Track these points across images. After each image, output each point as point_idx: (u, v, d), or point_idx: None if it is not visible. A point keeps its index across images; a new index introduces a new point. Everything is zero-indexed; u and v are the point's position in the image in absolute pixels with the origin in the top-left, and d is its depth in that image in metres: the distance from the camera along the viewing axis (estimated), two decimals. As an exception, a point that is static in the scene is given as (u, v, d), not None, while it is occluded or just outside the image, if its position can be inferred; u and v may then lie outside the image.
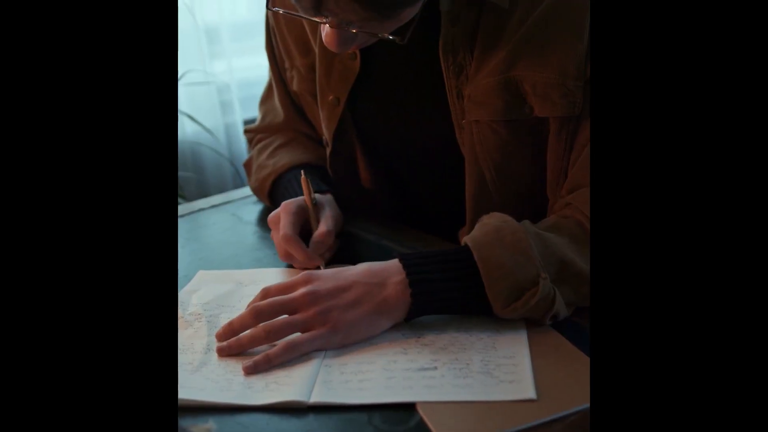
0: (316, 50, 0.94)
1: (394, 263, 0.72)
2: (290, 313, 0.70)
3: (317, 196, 0.92)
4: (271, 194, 1.04)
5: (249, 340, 0.69)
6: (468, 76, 0.82)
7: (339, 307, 0.69)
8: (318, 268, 0.84)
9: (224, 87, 2.11)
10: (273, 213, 0.89)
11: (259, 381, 0.64)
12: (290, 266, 0.88)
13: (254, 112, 2.18)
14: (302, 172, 0.90)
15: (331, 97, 0.94)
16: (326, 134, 0.98)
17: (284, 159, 1.03)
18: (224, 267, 0.90)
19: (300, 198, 0.90)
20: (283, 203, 0.88)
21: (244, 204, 1.15)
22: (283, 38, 1.02)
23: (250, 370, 0.66)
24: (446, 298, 0.70)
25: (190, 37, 1.99)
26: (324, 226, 0.86)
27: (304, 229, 0.88)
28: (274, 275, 0.87)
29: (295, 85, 1.04)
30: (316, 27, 0.93)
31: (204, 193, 1.95)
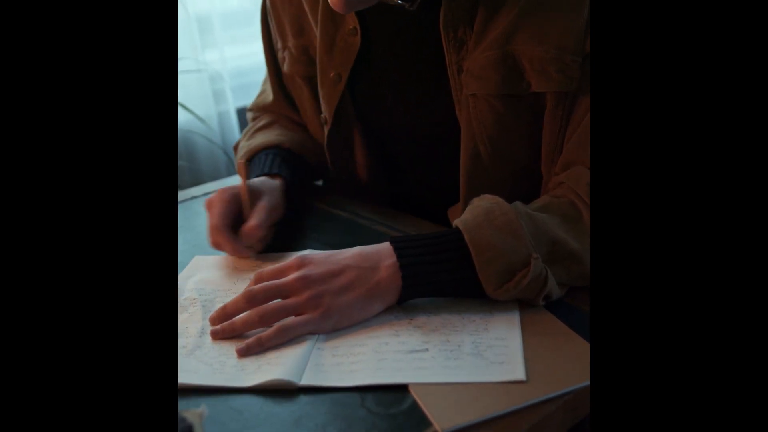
0: (317, 28, 0.94)
1: (386, 246, 0.72)
2: (283, 298, 0.70)
3: (257, 182, 0.91)
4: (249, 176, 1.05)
5: (242, 324, 0.69)
6: (468, 50, 0.82)
7: (331, 291, 0.69)
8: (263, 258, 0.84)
9: (216, 76, 2.10)
10: (209, 196, 0.88)
11: (251, 363, 0.65)
12: (285, 251, 0.88)
13: (247, 101, 2.18)
14: (241, 157, 0.90)
15: (332, 74, 0.94)
16: (326, 113, 0.98)
17: (258, 140, 1.04)
18: (218, 254, 0.90)
19: (237, 185, 0.89)
20: (219, 190, 0.88)
21: (237, 191, 1.14)
22: (278, 18, 1.02)
23: (243, 353, 0.66)
24: (438, 281, 0.70)
25: (182, 26, 1.98)
26: (254, 219, 0.85)
27: (240, 215, 0.88)
28: (269, 259, 0.87)
29: (286, 67, 1.04)
30: (315, 4, 0.93)
31: (197, 181, 1.95)
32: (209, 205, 0.87)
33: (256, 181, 0.92)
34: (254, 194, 0.89)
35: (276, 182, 0.94)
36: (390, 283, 0.70)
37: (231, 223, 0.86)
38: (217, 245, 0.86)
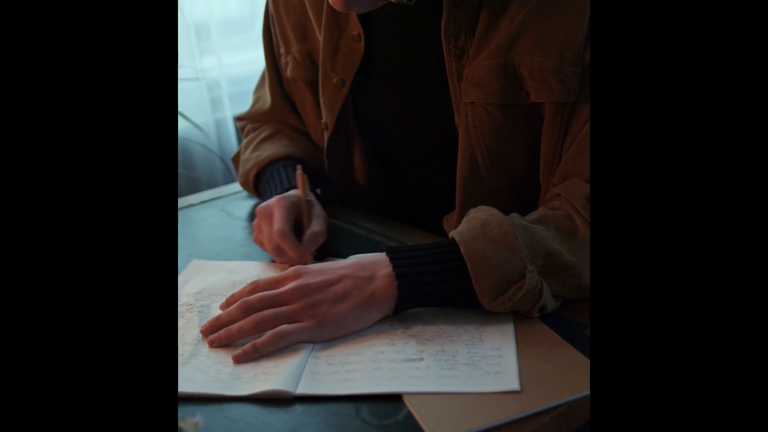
0: (321, 34, 0.95)
1: (382, 257, 0.72)
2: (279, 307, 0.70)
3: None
4: (256, 187, 1.05)
5: (238, 331, 0.69)
6: (468, 58, 0.83)
7: (327, 300, 0.69)
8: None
9: (214, 83, 2.10)
10: (263, 204, 0.89)
11: (247, 372, 0.65)
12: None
13: (244, 108, 2.18)
14: (298, 167, 0.91)
15: (336, 80, 0.95)
16: (327, 119, 0.99)
17: (267, 152, 1.04)
18: (214, 258, 0.90)
19: (293, 194, 0.90)
20: (277, 198, 0.88)
21: (234, 200, 1.15)
22: (281, 23, 1.03)
23: (239, 359, 0.67)
24: (433, 291, 0.70)
25: (180, 33, 1.98)
26: (317, 226, 0.87)
27: (295, 225, 0.88)
28: (267, 266, 0.87)
29: (289, 72, 1.04)
30: (320, 11, 0.94)
31: (194, 189, 1.95)
32: (265, 213, 0.88)
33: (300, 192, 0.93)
34: (309, 203, 0.91)
35: (313, 195, 0.96)
36: (386, 293, 0.70)
37: (293, 229, 0.86)
38: (278, 251, 0.85)
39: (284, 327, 0.68)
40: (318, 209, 0.91)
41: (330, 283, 0.70)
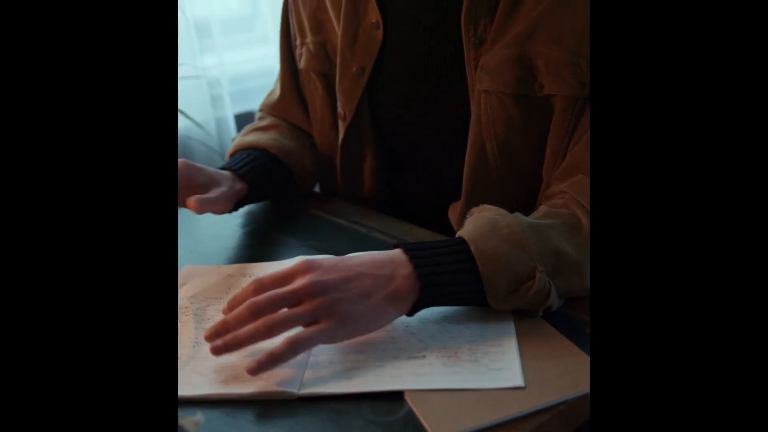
0: (339, 24, 0.96)
1: (399, 255, 0.68)
2: (292, 306, 0.64)
3: (216, 172, 0.94)
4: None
5: (247, 336, 0.63)
6: (486, 46, 0.83)
7: (347, 299, 0.64)
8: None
9: (215, 81, 2.10)
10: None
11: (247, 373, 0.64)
12: (278, 260, 0.87)
13: (245, 107, 2.18)
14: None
15: (355, 68, 0.96)
16: (345, 108, 0.99)
17: (250, 138, 1.06)
18: (213, 260, 0.90)
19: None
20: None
21: (234, 197, 1.14)
22: (298, 14, 1.05)
23: (254, 371, 0.62)
24: (450, 293, 0.68)
25: (181, 31, 1.98)
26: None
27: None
28: (261, 269, 0.85)
29: (303, 63, 1.06)
30: (339, 2, 0.96)
31: (195, 188, 1.94)
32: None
33: (216, 172, 0.94)
34: (213, 182, 0.91)
35: (228, 173, 0.96)
36: (408, 292, 0.66)
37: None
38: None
39: (301, 333, 0.63)
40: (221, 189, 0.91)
41: (347, 280, 0.65)
